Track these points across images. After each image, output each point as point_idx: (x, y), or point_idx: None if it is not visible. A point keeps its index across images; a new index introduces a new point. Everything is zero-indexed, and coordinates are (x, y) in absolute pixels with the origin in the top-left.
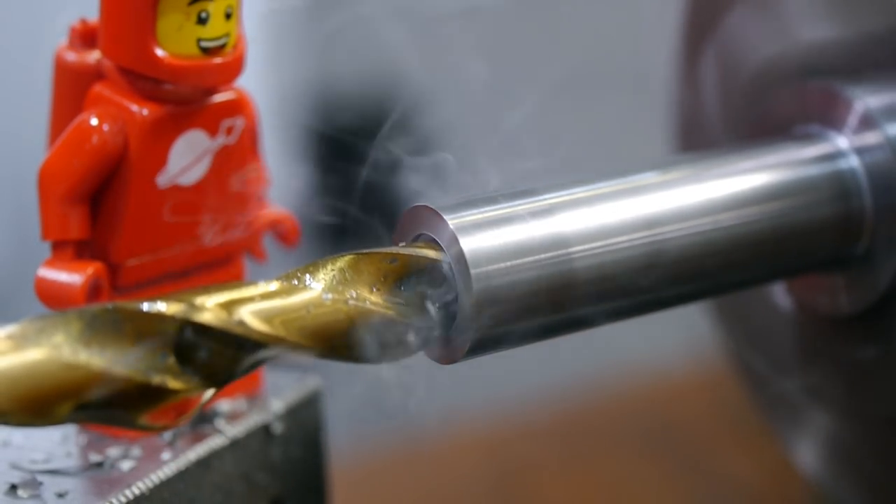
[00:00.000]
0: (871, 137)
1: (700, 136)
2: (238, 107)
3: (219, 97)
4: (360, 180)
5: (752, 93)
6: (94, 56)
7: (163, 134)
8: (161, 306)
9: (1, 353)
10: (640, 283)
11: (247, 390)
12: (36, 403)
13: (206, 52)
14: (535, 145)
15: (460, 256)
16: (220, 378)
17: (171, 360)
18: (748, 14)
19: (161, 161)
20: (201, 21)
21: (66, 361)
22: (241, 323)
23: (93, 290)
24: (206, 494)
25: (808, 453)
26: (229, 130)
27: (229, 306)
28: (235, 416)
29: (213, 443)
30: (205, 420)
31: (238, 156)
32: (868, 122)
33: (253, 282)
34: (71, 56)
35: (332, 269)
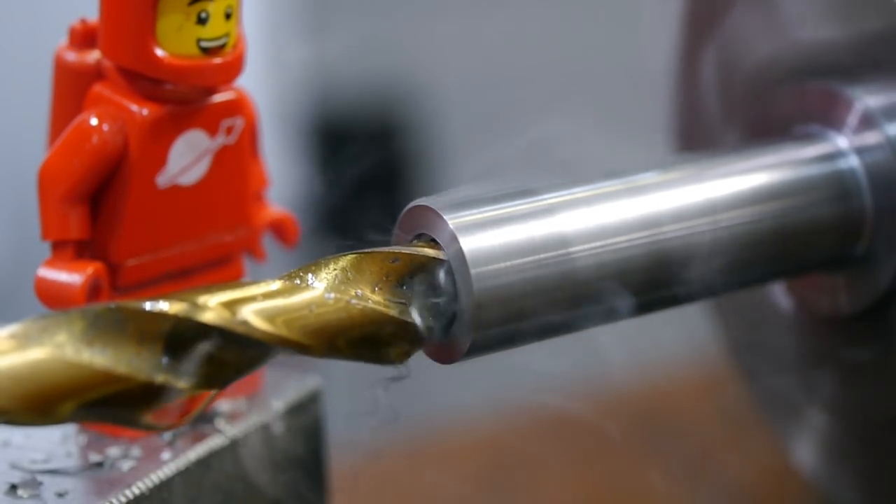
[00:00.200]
0: (871, 137)
1: (700, 136)
2: (238, 107)
3: (218, 97)
4: (360, 180)
5: (752, 92)
6: (93, 56)
7: (163, 134)
8: (163, 306)
9: (4, 352)
10: (640, 283)
11: (247, 390)
12: (39, 402)
13: (206, 52)
14: (535, 145)
15: (460, 256)
16: (222, 378)
17: (174, 359)
18: (748, 14)
19: (161, 161)
20: (201, 21)
21: (68, 361)
22: (244, 322)
23: (93, 290)
24: (206, 494)
25: (807, 453)
26: (229, 130)
27: (232, 306)
28: (235, 416)
29: (213, 443)
30: (205, 420)
31: (238, 156)
32: (868, 122)
33: (255, 281)
34: (71, 56)
35: (335, 269)
